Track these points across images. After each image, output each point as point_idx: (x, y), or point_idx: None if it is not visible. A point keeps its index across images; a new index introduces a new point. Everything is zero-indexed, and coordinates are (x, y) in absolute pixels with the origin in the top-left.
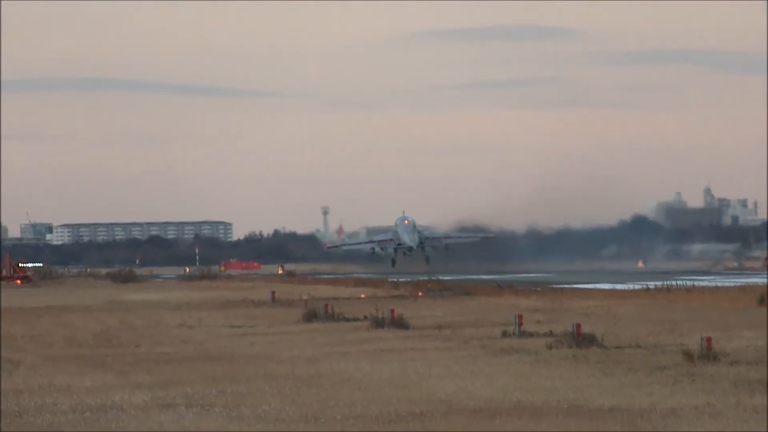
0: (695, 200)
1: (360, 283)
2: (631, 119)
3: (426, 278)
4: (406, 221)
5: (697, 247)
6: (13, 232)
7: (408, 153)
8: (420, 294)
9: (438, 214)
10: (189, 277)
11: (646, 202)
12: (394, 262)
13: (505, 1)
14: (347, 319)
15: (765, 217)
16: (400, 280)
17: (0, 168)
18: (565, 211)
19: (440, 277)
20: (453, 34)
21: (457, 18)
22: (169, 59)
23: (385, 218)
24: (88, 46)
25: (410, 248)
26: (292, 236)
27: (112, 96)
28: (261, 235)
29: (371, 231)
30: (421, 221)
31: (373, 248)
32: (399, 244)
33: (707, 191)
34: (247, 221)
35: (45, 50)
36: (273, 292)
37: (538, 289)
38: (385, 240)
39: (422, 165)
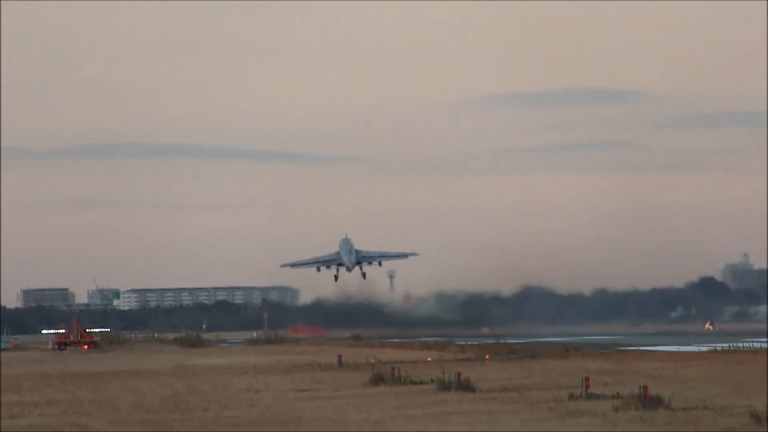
0: (762, 261)
1: (426, 346)
2: (697, 181)
3: (493, 341)
4: (348, 243)
5: (763, 309)
6: (81, 297)
7: (473, 215)
8: (487, 357)
9: (501, 275)
10: (256, 341)
11: (713, 264)
12: (336, 278)
13: (566, 62)
14: (414, 382)
15: None
16: (467, 343)
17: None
18: (632, 272)
19: (507, 340)
20: (518, 97)
21: (522, 81)
22: (239, 125)
23: (454, 283)
24: (153, 115)
25: (348, 268)
26: (359, 301)
27: (180, 163)
28: (328, 300)
29: (440, 296)
30: (483, 285)
31: (318, 267)
32: (340, 264)
33: None
34: (315, 286)
35: (109, 117)
36: (340, 356)
37: (605, 351)
38: (329, 260)
39: (488, 227)
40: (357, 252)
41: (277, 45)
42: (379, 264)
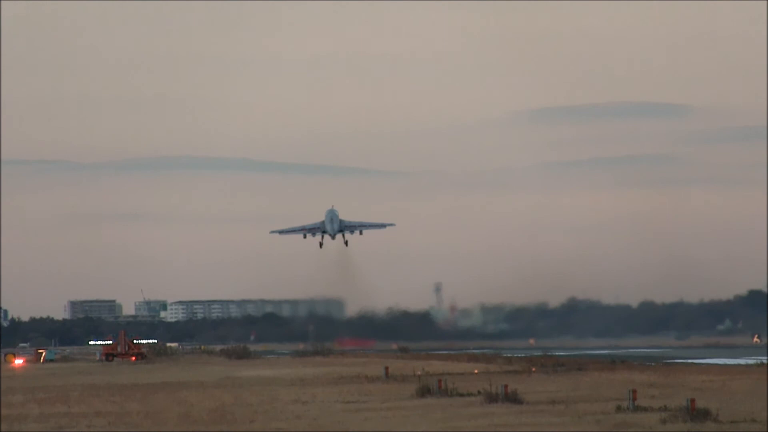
0: None
1: (473, 358)
2: (745, 194)
3: (539, 353)
4: (331, 214)
5: None
6: (128, 309)
7: (520, 229)
8: (533, 369)
9: (548, 287)
10: (303, 353)
11: (761, 277)
12: (321, 245)
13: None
14: (461, 395)
15: None
16: (514, 355)
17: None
18: (679, 285)
19: (554, 353)
20: (563, 111)
21: (571, 95)
22: (293, 140)
23: (500, 295)
24: (202, 126)
25: (332, 235)
26: (405, 314)
27: (227, 175)
28: (374, 312)
29: (486, 309)
30: (529, 297)
31: (305, 234)
32: (324, 231)
33: None
34: (361, 298)
35: (161, 130)
36: (386, 368)
37: (652, 364)
38: (315, 228)
39: (534, 240)
40: (340, 221)
41: (326, 60)
42: (360, 233)
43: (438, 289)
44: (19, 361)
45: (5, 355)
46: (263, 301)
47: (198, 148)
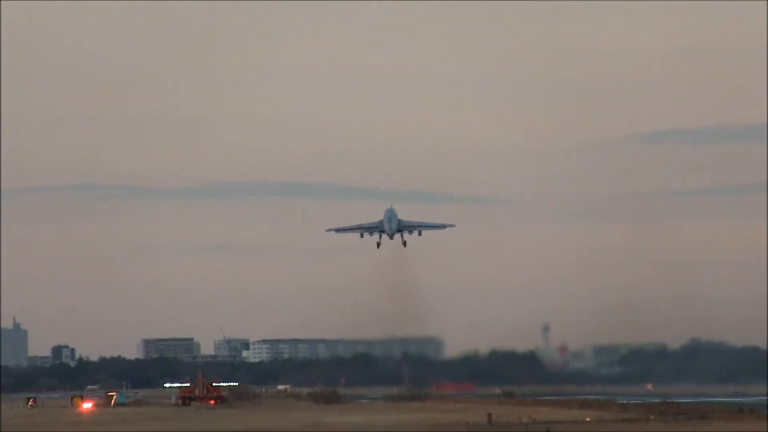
0: None
1: (585, 404)
2: None
3: (658, 400)
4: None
5: None
6: (206, 348)
7: (634, 262)
8: (651, 417)
9: (667, 327)
10: (397, 398)
11: None
12: (378, 244)
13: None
14: None
15: None
16: (630, 402)
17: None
18: None
19: (673, 399)
20: (685, 134)
21: (689, 117)
22: (378, 165)
23: (615, 335)
24: (287, 149)
25: (390, 235)
26: (510, 355)
27: (310, 203)
28: (476, 354)
29: (599, 350)
30: (646, 337)
31: (362, 233)
32: (381, 231)
33: None
34: (460, 338)
35: (241, 154)
36: (490, 414)
37: None
38: (372, 227)
39: (651, 275)
40: (399, 221)
41: (418, 79)
42: (419, 233)
43: (546, 328)
44: (87, 405)
45: (72, 398)
46: (354, 341)
47: (281, 172)
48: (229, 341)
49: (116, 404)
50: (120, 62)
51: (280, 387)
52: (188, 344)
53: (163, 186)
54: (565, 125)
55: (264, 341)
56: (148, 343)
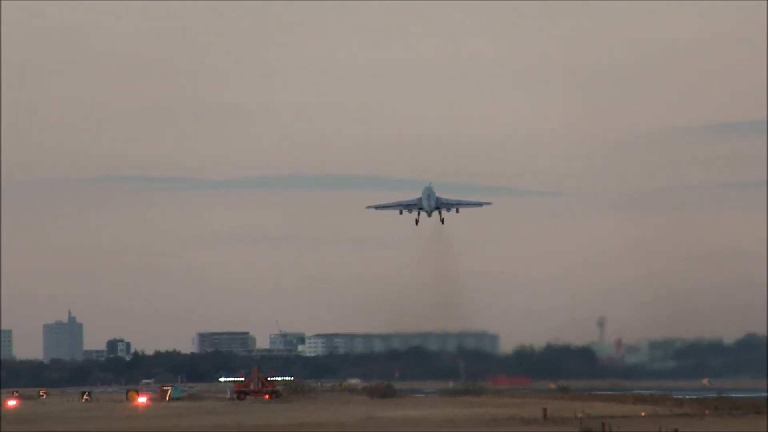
0: None
1: (640, 399)
2: None
3: (714, 395)
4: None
5: None
6: (262, 342)
7: (693, 256)
8: (706, 412)
9: (723, 321)
10: (452, 392)
11: None
12: (417, 221)
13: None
14: None
15: None
16: (685, 396)
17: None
18: None
19: (729, 394)
20: (736, 127)
21: (738, 110)
22: (417, 156)
23: (670, 329)
24: (334, 142)
25: (428, 212)
26: (565, 349)
27: (359, 194)
28: (532, 348)
29: (654, 344)
30: (702, 331)
31: (401, 210)
32: (420, 208)
33: None
34: (516, 332)
35: (293, 146)
36: (545, 409)
37: None
38: (411, 204)
39: (708, 270)
40: (437, 198)
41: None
42: (456, 210)
43: (601, 322)
44: (142, 399)
45: (128, 392)
46: (410, 335)
47: (327, 164)
48: (284, 335)
49: (171, 398)
50: (181, 56)
51: (351, 381)
52: (243, 338)
53: (217, 177)
54: (610, 118)
55: (319, 335)
56: (203, 337)
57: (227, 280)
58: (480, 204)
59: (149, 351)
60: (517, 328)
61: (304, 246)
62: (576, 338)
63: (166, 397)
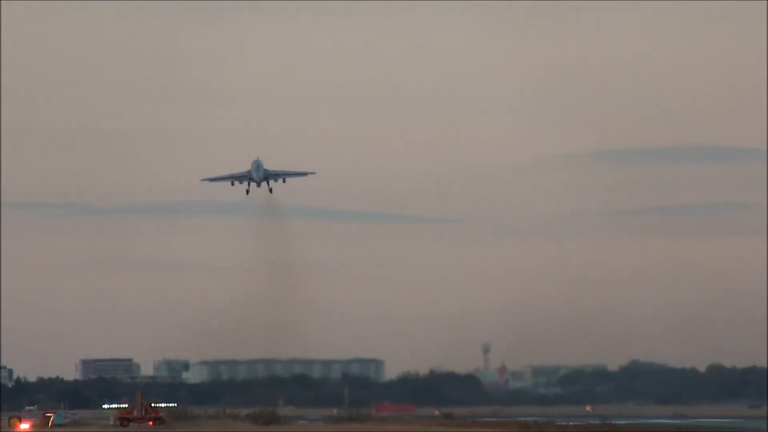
0: None
1: (524, 426)
2: None
3: (597, 422)
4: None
5: None
6: (146, 369)
7: (576, 282)
8: None
9: (610, 350)
10: (337, 419)
11: None
12: (248, 192)
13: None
14: None
15: None
16: (569, 423)
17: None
18: (753, 348)
19: (613, 421)
20: (627, 154)
21: (625, 138)
22: (335, 188)
23: (554, 356)
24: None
25: (258, 182)
26: (450, 376)
27: (260, 223)
28: (416, 374)
29: (538, 371)
30: (586, 358)
31: (233, 182)
32: (250, 179)
33: None
34: (401, 359)
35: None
36: None
37: None
38: (242, 176)
39: (590, 296)
40: (265, 170)
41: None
42: (284, 181)
43: (486, 349)
44: (25, 426)
45: (9, 419)
46: (293, 361)
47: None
48: (168, 362)
49: (54, 425)
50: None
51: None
52: (127, 365)
53: (102, 204)
54: (500, 144)
55: (204, 362)
56: (86, 364)
57: (111, 306)
58: (305, 174)
59: (32, 377)
60: (402, 355)
61: (189, 271)
62: (461, 364)
63: (48, 423)
